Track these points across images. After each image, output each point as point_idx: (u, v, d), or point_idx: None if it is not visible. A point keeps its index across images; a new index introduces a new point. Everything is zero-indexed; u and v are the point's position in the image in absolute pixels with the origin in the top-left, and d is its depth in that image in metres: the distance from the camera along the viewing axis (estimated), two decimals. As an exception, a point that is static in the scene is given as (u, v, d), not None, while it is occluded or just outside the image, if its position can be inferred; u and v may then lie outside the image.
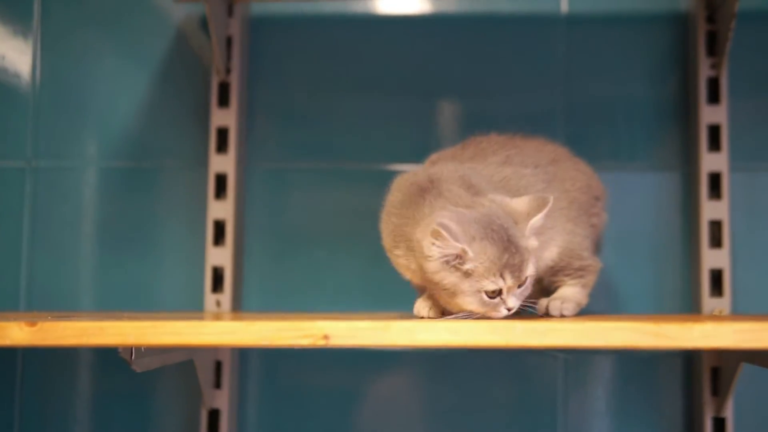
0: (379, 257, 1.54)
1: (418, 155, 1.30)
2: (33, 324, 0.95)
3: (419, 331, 0.94)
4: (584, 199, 1.25)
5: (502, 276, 1.01)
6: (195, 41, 1.62)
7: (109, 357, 1.56)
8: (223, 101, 1.56)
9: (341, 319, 0.98)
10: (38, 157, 1.61)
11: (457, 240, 0.99)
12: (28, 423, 1.57)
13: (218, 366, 1.51)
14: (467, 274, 1.01)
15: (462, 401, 1.55)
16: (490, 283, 1.00)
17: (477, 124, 1.59)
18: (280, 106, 1.62)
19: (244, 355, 1.57)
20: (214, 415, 1.51)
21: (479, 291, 1.01)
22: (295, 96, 1.62)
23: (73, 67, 1.63)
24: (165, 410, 1.57)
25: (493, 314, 1.02)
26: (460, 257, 1.00)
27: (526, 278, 1.04)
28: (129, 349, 1.06)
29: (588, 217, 1.25)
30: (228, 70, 1.55)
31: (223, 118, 1.55)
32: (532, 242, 1.05)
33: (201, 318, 1.08)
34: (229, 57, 1.56)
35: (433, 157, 1.25)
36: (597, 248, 1.32)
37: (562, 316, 1.16)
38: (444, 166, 1.14)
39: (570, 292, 1.22)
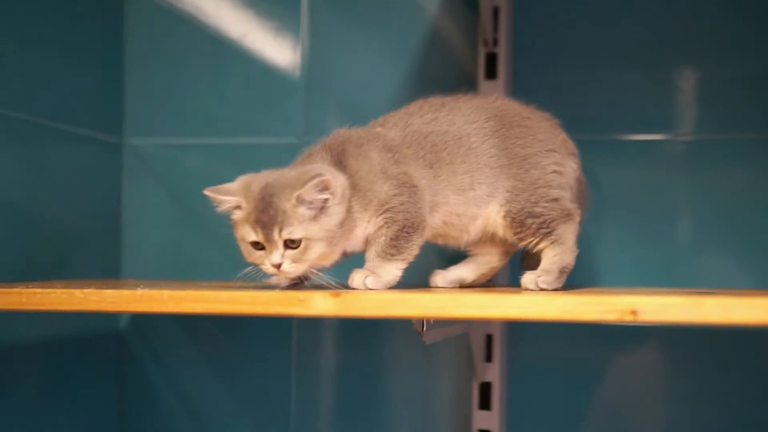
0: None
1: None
2: (337, 295, 0.98)
3: (735, 308, 0.88)
4: (531, 152, 1.20)
5: (254, 229, 1.07)
6: (455, 14, 1.61)
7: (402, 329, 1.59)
8: (491, 73, 1.54)
9: (645, 294, 0.94)
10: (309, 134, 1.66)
11: (229, 194, 1.10)
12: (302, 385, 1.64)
13: (489, 339, 1.51)
14: (234, 224, 1.11)
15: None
16: (247, 233, 1.08)
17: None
18: (543, 78, 1.58)
19: (513, 328, 1.55)
20: (485, 388, 1.51)
21: (242, 240, 1.10)
22: (558, 67, 1.58)
23: (336, 48, 1.67)
24: (440, 382, 1.59)
25: (263, 268, 1.09)
26: (238, 208, 1.10)
27: (288, 240, 1.07)
28: (421, 321, 1.08)
29: (540, 171, 1.19)
30: (495, 42, 1.53)
31: (490, 90, 1.53)
32: (301, 210, 1.07)
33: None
34: (495, 28, 1.53)
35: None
36: (581, 205, 1.24)
37: (541, 289, 1.13)
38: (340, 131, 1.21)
39: (547, 263, 1.17)
